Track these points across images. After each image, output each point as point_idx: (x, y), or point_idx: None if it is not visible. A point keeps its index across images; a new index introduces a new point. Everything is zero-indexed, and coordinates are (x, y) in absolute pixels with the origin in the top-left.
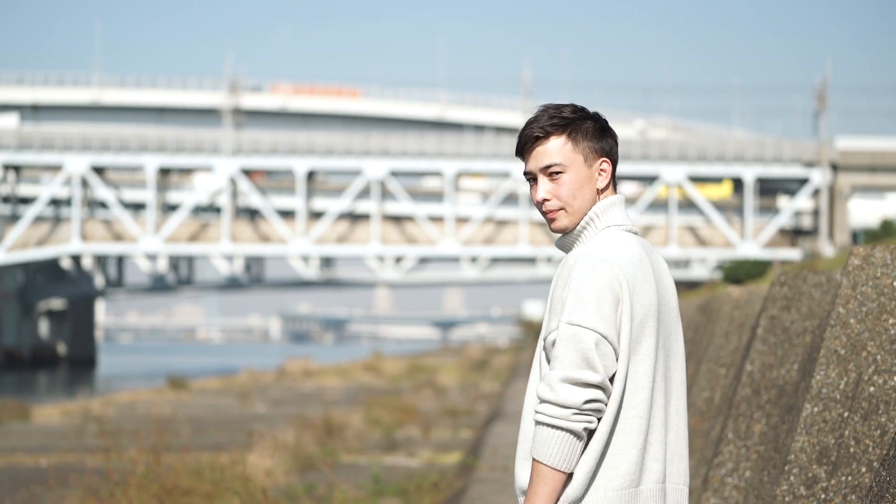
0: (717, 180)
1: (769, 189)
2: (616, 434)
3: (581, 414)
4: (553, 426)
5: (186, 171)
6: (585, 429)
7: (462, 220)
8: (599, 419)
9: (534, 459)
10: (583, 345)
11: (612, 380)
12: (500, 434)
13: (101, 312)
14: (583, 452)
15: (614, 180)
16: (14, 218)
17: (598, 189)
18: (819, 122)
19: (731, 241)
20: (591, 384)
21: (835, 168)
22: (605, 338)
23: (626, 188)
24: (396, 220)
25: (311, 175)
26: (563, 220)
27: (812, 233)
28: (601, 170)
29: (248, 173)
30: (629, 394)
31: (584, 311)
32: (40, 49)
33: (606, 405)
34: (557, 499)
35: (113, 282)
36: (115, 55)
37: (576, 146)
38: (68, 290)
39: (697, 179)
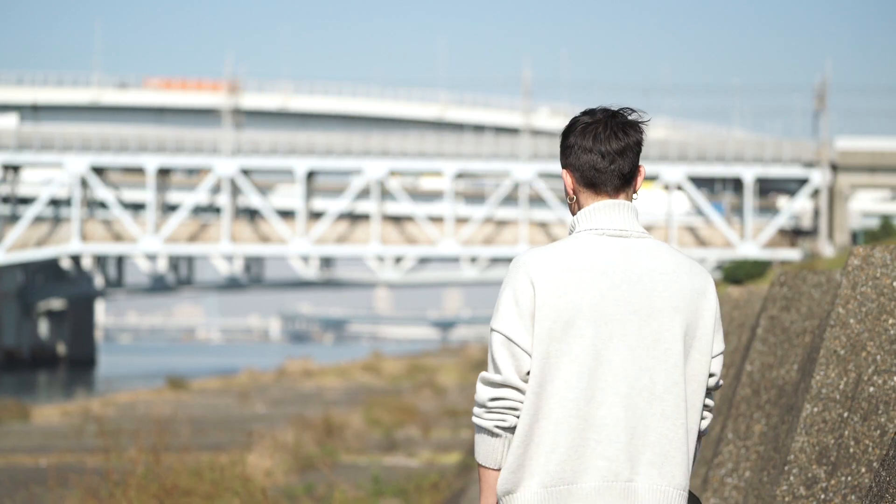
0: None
1: (768, 189)
2: (540, 432)
3: (490, 412)
4: (475, 424)
5: (195, 172)
6: (498, 426)
7: (462, 221)
8: (517, 417)
9: None
10: (492, 346)
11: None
12: None
13: (101, 312)
14: (509, 449)
15: (593, 179)
16: (14, 218)
17: (569, 204)
18: (819, 122)
19: (730, 241)
20: (496, 383)
21: (834, 168)
22: (511, 339)
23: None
24: (396, 220)
25: (310, 175)
26: None
27: (812, 233)
28: (565, 181)
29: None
30: (553, 392)
31: (496, 315)
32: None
33: (520, 403)
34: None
35: (113, 282)
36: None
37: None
38: (68, 290)
39: (693, 180)
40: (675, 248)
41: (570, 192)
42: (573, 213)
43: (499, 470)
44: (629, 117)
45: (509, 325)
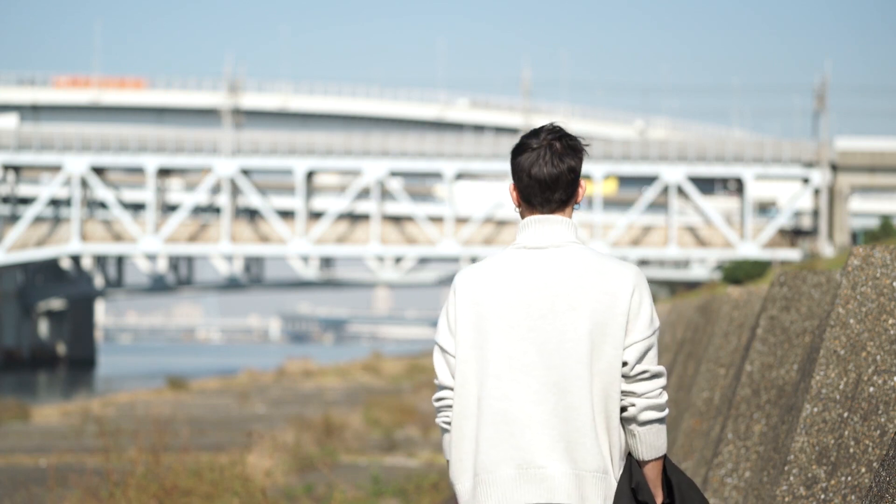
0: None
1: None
2: (466, 428)
3: (438, 412)
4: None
5: (196, 172)
6: (444, 422)
7: (462, 221)
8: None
9: None
10: (434, 355)
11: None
12: None
13: (101, 312)
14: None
15: (531, 197)
16: (14, 218)
17: (518, 212)
18: (818, 122)
19: (730, 241)
20: (437, 387)
21: (834, 168)
22: (443, 348)
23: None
24: (396, 220)
25: (310, 175)
26: None
27: (812, 233)
28: (511, 194)
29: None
30: (471, 392)
31: (437, 328)
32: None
33: (451, 403)
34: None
35: (112, 282)
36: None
37: None
38: (68, 290)
39: (696, 180)
40: (593, 253)
41: (516, 203)
42: (522, 219)
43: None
44: (570, 140)
45: (442, 336)
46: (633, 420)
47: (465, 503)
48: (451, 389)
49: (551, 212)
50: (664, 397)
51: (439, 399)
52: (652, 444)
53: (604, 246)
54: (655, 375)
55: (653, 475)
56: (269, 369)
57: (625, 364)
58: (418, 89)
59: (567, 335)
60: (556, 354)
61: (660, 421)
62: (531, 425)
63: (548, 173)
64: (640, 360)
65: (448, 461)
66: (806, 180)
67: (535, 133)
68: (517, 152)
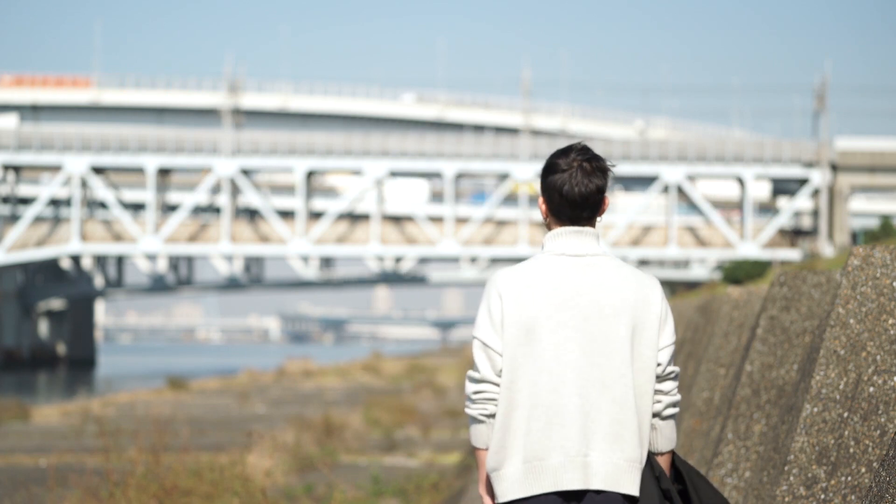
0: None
1: (778, 190)
2: (515, 419)
3: (474, 402)
4: (468, 414)
5: (196, 171)
6: (482, 414)
7: (462, 221)
8: (496, 406)
9: None
10: (473, 350)
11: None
12: None
13: (101, 313)
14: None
15: (560, 213)
16: (14, 218)
17: (545, 223)
18: (819, 122)
19: (730, 241)
20: (477, 380)
21: (834, 168)
22: (486, 344)
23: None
24: (396, 220)
25: (310, 175)
26: None
27: (812, 233)
28: (540, 207)
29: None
30: (522, 387)
31: (476, 325)
32: (40, 49)
33: (496, 394)
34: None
35: (112, 282)
36: (114, 55)
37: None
38: (68, 290)
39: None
40: (624, 264)
41: (544, 215)
42: (549, 229)
43: (487, 450)
44: (600, 161)
45: (484, 333)
46: (657, 415)
47: (509, 486)
48: (492, 383)
49: (580, 225)
50: (679, 395)
51: (479, 392)
52: (669, 436)
53: (604, 246)
54: (677, 376)
55: (665, 465)
56: (269, 369)
57: (658, 365)
58: (418, 89)
59: (611, 336)
60: (601, 354)
61: (676, 416)
62: (576, 418)
63: (578, 193)
64: (670, 361)
65: (479, 448)
66: (806, 180)
67: (565, 153)
68: (548, 171)
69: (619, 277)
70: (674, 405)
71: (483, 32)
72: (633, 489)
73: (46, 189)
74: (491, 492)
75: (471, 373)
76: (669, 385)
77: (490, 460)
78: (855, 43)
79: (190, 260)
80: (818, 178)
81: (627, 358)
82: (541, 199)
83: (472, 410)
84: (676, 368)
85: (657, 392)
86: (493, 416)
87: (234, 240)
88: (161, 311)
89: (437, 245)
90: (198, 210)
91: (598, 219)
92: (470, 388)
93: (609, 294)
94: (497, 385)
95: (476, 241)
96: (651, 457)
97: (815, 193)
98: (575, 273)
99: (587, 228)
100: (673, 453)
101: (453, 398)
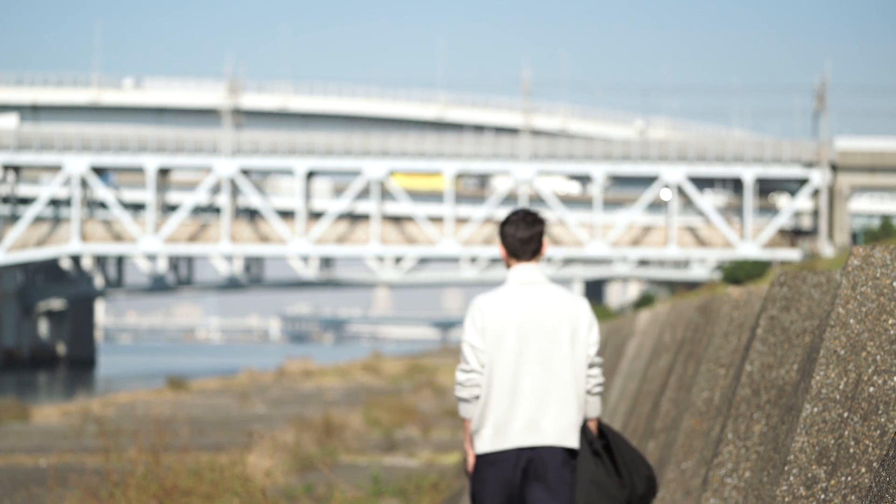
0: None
1: (767, 189)
2: (492, 397)
3: (464, 387)
4: (457, 395)
5: (196, 171)
6: (471, 395)
7: (462, 221)
8: (480, 389)
9: None
10: (463, 350)
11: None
12: None
13: (101, 313)
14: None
15: (513, 252)
16: (14, 218)
17: (506, 263)
18: (818, 122)
19: (730, 241)
20: (467, 371)
21: (834, 168)
22: (473, 345)
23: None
24: (396, 220)
25: (310, 175)
26: None
27: (812, 233)
28: (501, 252)
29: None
30: (496, 375)
31: (464, 332)
32: (40, 49)
33: (480, 381)
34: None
35: (112, 282)
36: (114, 55)
37: None
38: (68, 290)
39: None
40: (561, 288)
41: (504, 258)
42: (508, 267)
43: (471, 420)
44: (536, 216)
45: (472, 337)
46: (588, 391)
47: (485, 442)
48: (478, 373)
49: (529, 261)
50: (603, 378)
51: (469, 379)
52: (595, 406)
53: (604, 246)
54: (601, 364)
55: (594, 427)
56: (269, 369)
57: (587, 356)
58: (418, 89)
59: (556, 339)
60: (549, 350)
61: (601, 392)
62: (533, 396)
63: (526, 235)
64: (596, 354)
65: (466, 418)
66: (806, 180)
67: (514, 213)
68: (503, 226)
69: (559, 298)
70: (599, 385)
71: (483, 32)
72: (575, 443)
73: (46, 189)
74: (473, 448)
75: (462, 366)
76: (596, 371)
77: (473, 425)
78: (855, 43)
79: (190, 260)
80: (818, 178)
81: (568, 353)
82: (500, 246)
83: (465, 392)
84: (600, 359)
85: (588, 376)
86: (478, 396)
87: (234, 240)
88: (161, 311)
89: (437, 245)
90: (198, 210)
91: (541, 257)
92: (461, 376)
93: (554, 310)
94: (481, 374)
95: (475, 242)
96: (584, 423)
97: (815, 193)
98: (530, 296)
99: (533, 264)
100: (600, 422)
101: (453, 398)
